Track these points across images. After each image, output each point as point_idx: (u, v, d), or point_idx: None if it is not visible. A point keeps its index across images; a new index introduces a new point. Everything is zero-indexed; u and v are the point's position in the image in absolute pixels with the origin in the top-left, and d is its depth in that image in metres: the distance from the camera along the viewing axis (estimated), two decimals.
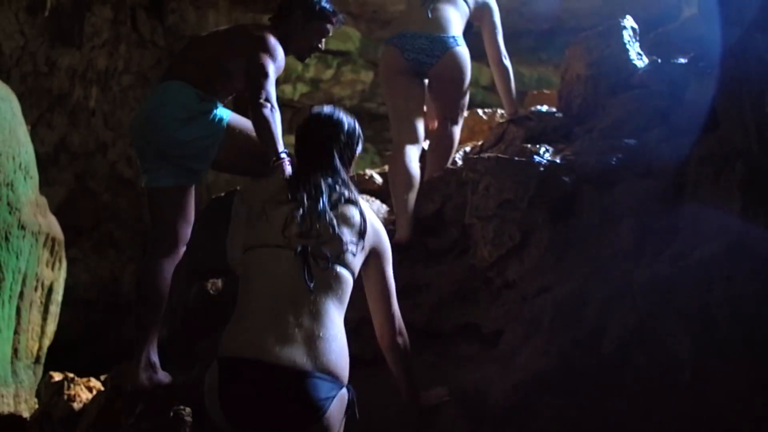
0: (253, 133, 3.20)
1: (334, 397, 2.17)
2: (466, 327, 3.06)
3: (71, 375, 5.22)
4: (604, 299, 2.51)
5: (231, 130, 3.20)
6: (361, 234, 2.35)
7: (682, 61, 3.56)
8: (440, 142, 4.02)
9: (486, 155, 3.35)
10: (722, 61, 2.44)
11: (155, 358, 3.17)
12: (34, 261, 5.35)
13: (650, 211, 2.72)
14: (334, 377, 2.19)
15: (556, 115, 4.05)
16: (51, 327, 5.64)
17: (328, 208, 2.30)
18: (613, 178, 2.97)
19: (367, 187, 4.44)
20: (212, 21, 8.00)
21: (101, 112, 8.08)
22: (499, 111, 5.02)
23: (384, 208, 4.17)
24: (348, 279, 2.31)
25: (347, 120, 2.52)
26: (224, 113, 3.21)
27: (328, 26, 3.50)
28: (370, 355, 2.77)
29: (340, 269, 2.28)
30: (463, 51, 3.90)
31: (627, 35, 3.96)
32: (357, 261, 2.35)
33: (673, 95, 3.26)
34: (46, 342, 5.63)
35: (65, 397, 4.82)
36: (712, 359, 2.06)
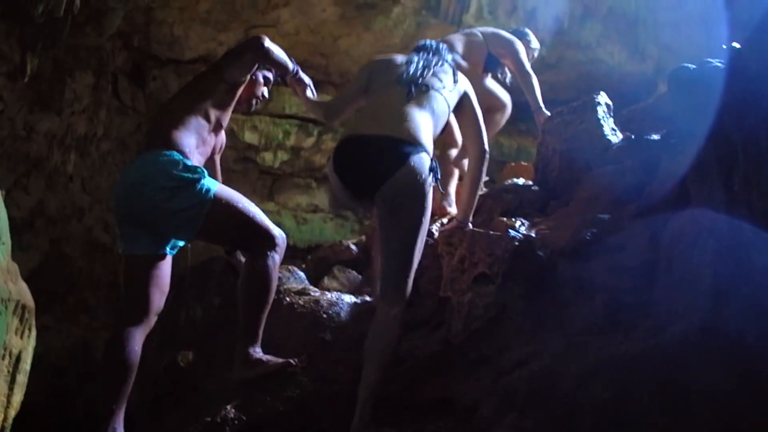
0: (240, 205, 3.23)
1: (417, 154, 2.91)
2: (442, 401, 3.01)
3: None
4: (579, 375, 2.48)
5: (218, 201, 3.18)
6: (455, 81, 3.31)
7: (655, 137, 3.63)
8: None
9: (461, 228, 3.35)
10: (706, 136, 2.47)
11: (121, 430, 3.08)
12: (2, 329, 5.20)
13: (624, 287, 2.72)
14: (417, 143, 2.95)
15: (533, 188, 4.10)
16: (17, 397, 5.43)
17: (432, 64, 3.33)
18: (587, 252, 2.98)
19: (343, 257, 4.43)
20: None
21: (79, 177, 8.04)
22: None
23: (360, 278, 4.15)
24: (443, 103, 3.20)
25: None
26: (212, 183, 3.20)
27: (270, 75, 3.71)
28: None
29: (435, 93, 3.17)
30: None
31: (601, 111, 4.04)
32: (452, 96, 3.27)
33: (646, 171, 3.31)
34: (12, 412, 5.42)
35: None
36: None
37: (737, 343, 2.07)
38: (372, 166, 2.92)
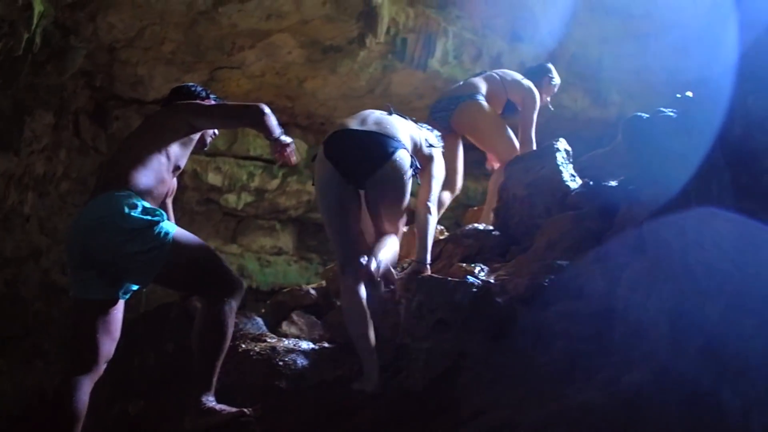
0: (199, 249, 3.17)
1: (400, 149, 3.39)
2: None
3: None
4: (537, 425, 2.44)
5: (177, 244, 3.10)
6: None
7: (613, 183, 3.65)
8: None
9: (420, 275, 3.32)
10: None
11: None
12: None
13: (582, 334, 2.70)
14: (399, 141, 3.43)
15: (493, 233, 4.08)
16: None
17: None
18: (545, 299, 2.96)
19: (302, 302, 4.37)
20: None
21: (36, 218, 7.90)
22: (439, 227, 5.06)
23: (319, 323, 4.08)
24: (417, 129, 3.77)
25: None
26: (170, 227, 3.13)
27: None
28: None
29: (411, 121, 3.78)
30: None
31: (561, 157, 4.07)
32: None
33: (604, 217, 3.32)
34: None
35: None
36: None
37: (692, 392, 2.06)
38: (363, 157, 3.37)
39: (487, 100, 5.01)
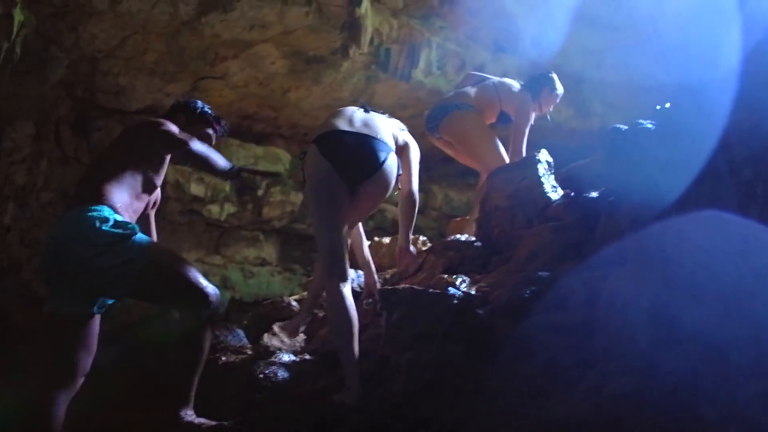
0: (173, 262, 3.15)
1: (390, 153, 3.54)
2: None
3: None
4: None
5: (150, 258, 3.08)
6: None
7: (594, 194, 3.66)
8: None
9: (401, 286, 3.31)
10: None
11: None
12: None
13: (562, 345, 2.70)
14: (387, 143, 3.56)
15: (475, 244, 4.08)
16: None
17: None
18: (526, 310, 2.95)
19: (283, 314, 4.34)
20: None
21: (17, 229, 7.82)
22: (422, 237, 5.06)
23: (301, 337, 4.06)
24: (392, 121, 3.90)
25: None
26: (143, 240, 3.11)
27: (210, 131, 3.63)
28: None
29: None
30: None
31: (542, 168, 4.07)
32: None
33: (585, 228, 3.32)
34: None
35: None
36: None
37: (670, 403, 2.06)
38: (361, 162, 3.47)
39: (479, 110, 5.05)
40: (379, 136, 3.54)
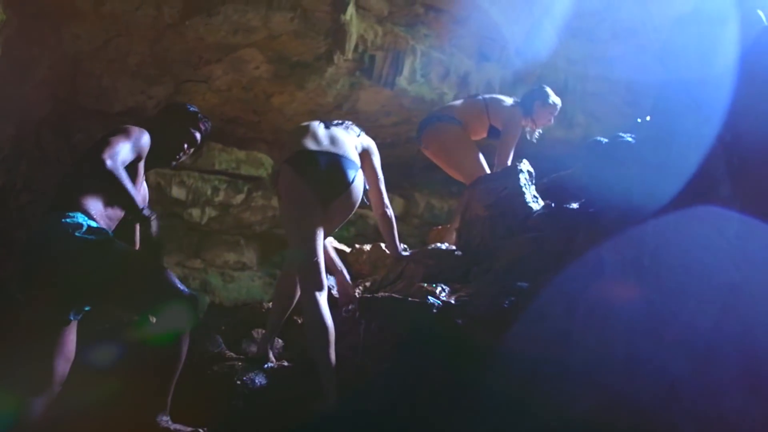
0: (148, 268, 3.12)
1: (357, 171, 3.71)
2: None
3: None
4: None
5: (124, 264, 3.06)
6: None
7: (574, 206, 3.67)
8: None
9: (380, 294, 3.30)
10: None
11: None
12: None
13: (541, 356, 2.70)
14: (355, 161, 3.75)
15: (456, 253, 4.08)
16: None
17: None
18: (506, 321, 2.96)
19: (263, 320, 4.31)
20: None
21: None
22: (402, 245, 5.05)
23: (280, 343, 4.04)
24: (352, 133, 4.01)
25: None
26: (119, 246, 3.09)
27: (194, 131, 3.59)
28: None
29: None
30: None
31: (524, 178, 4.08)
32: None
33: (565, 239, 3.33)
34: None
35: None
36: None
37: (645, 418, 2.07)
38: (332, 182, 3.63)
39: (466, 123, 5.14)
40: (346, 154, 3.73)
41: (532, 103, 5.30)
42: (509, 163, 4.91)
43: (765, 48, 2.42)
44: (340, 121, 4.05)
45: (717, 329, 2.24)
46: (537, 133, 5.46)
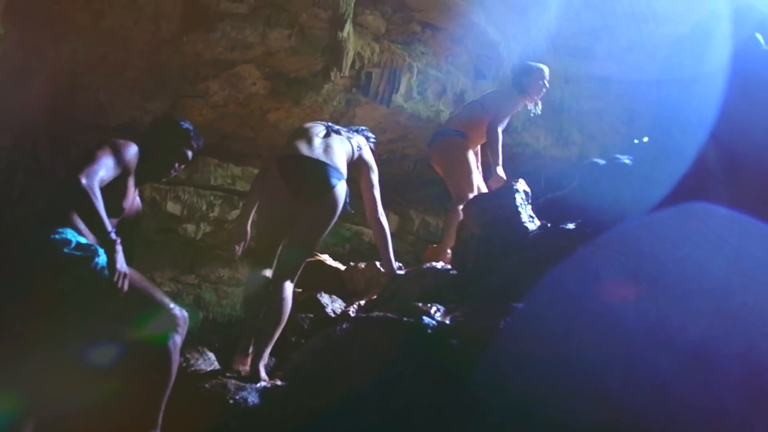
0: (138, 284, 3.10)
1: (341, 181, 3.86)
2: None
3: None
4: None
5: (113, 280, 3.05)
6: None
7: (571, 226, 3.66)
8: None
9: (375, 314, 3.29)
10: None
11: None
12: None
13: (537, 377, 2.69)
14: (340, 170, 3.91)
15: (451, 272, 4.07)
16: None
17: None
18: (501, 342, 2.94)
19: None
20: None
21: None
22: (397, 263, 5.03)
23: (272, 362, 4.01)
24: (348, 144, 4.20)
25: None
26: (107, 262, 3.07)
27: (186, 150, 3.55)
28: None
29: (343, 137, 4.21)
30: None
31: (519, 198, 4.08)
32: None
33: (560, 260, 3.32)
34: None
35: None
36: None
37: (642, 425, 2.06)
38: (311, 184, 3.84)
39: (469, 131, 5.32)
40: (332, 163, 3.94)
41: (520, 80, 5.55)
42: (499, 137, 5.13)
43: (756, 62, 2.44)
44: (347, 129, 4.27)
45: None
46: (539, 106, 5.65)
